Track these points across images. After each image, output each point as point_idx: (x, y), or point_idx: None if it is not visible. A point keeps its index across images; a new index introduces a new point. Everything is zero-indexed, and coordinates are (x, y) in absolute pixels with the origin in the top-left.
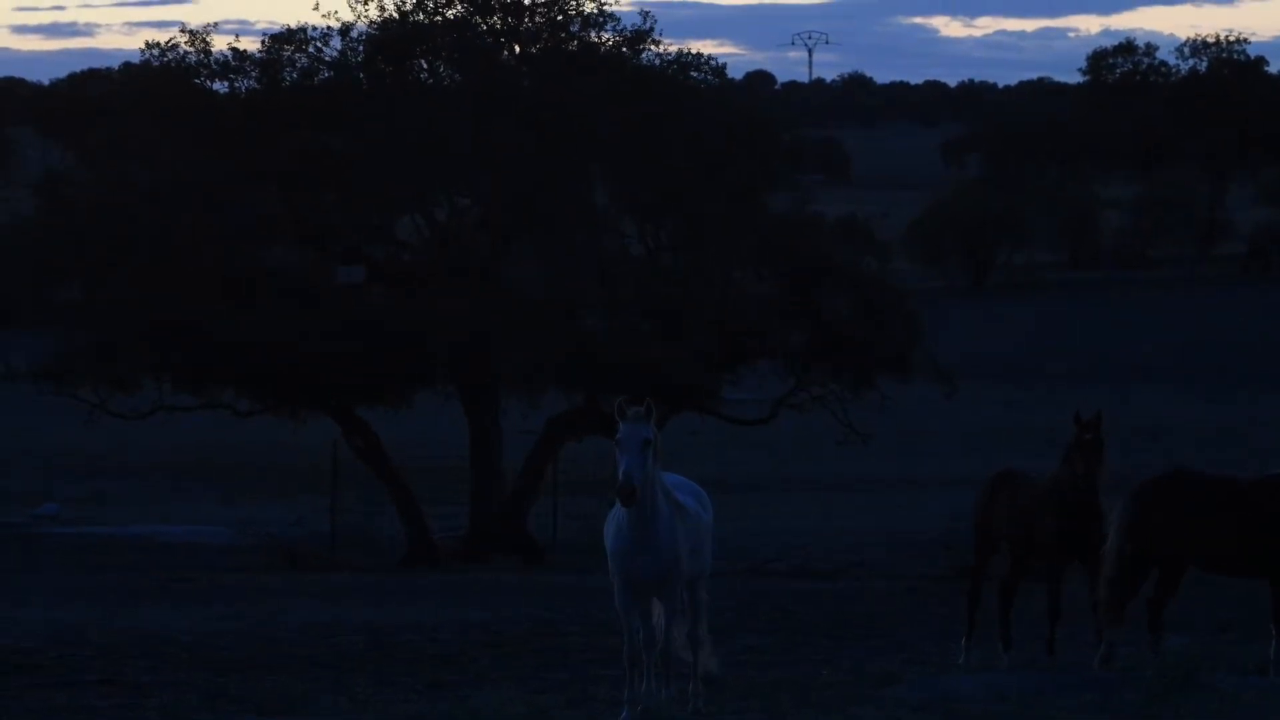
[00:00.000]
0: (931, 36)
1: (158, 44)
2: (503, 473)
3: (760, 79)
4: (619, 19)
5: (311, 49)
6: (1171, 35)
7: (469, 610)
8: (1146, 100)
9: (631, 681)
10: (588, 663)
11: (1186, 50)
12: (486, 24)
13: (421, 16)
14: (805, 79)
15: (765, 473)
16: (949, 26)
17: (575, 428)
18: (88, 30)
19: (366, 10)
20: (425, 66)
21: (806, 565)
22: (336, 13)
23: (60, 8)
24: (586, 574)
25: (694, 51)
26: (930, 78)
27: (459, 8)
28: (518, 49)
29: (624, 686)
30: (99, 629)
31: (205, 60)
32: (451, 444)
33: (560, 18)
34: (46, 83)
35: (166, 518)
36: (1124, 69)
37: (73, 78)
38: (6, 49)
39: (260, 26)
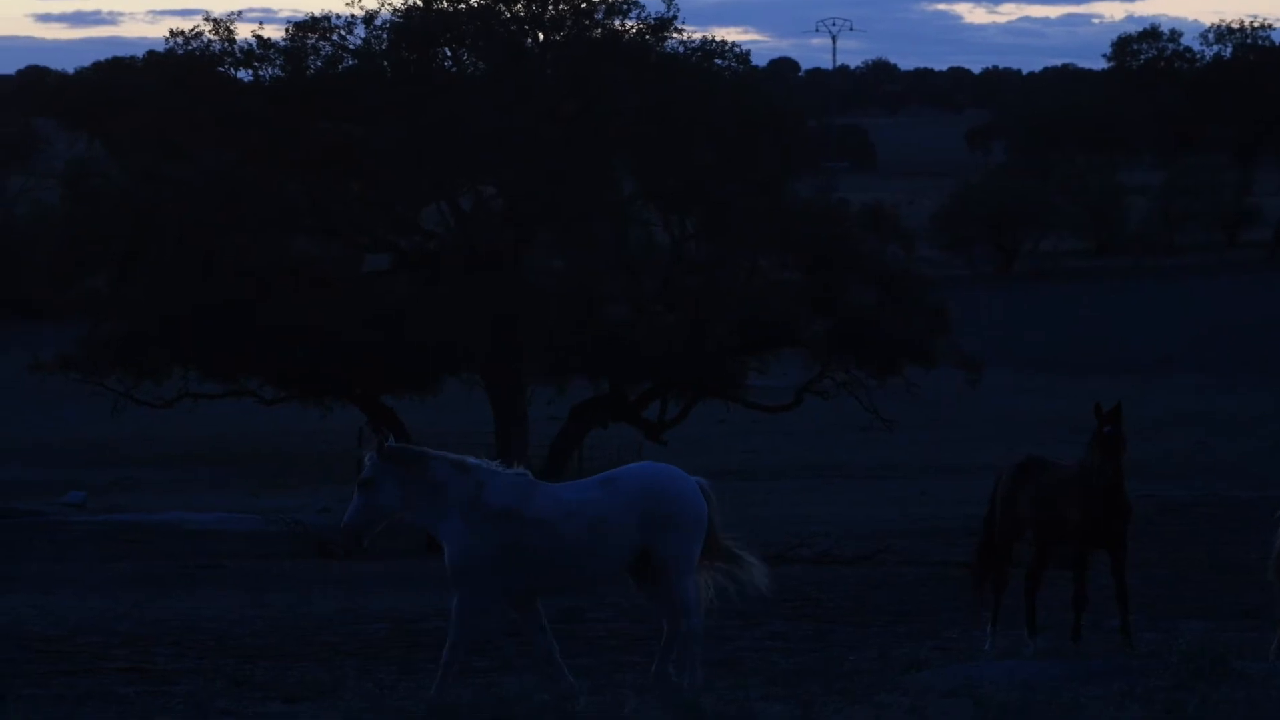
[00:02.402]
0: (955, 23)
1: (182, 32)
2: (529, 460)
3: (784, 66)
4: (643, 6)
5: (335, 37)
6: (1195, 21)
7: None
8: (1171, 87)
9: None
10: (612, 649)
11: (1210, 36)
12: (510, 11)
13: (445, 4)
14: (829, 66)
15: (791, 460)
16: (973, 13)
17: (600, 415)
18: (111, 19)
19: None
20: (449, 54)
21: (832, 552)
22: (360, 1)
23: None
24: None
25: (718, 39)
26: (954, 64)
27: None
28: (541, 36)
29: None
30: (125, 616)
31: (229, 48)
32: (478, 431)
33: (584, 5)
34: (71, 71)
35: (193, 505)
36: (1148, 55)
37: (97, 67)
38: (30, 38)
39: (284, 15)
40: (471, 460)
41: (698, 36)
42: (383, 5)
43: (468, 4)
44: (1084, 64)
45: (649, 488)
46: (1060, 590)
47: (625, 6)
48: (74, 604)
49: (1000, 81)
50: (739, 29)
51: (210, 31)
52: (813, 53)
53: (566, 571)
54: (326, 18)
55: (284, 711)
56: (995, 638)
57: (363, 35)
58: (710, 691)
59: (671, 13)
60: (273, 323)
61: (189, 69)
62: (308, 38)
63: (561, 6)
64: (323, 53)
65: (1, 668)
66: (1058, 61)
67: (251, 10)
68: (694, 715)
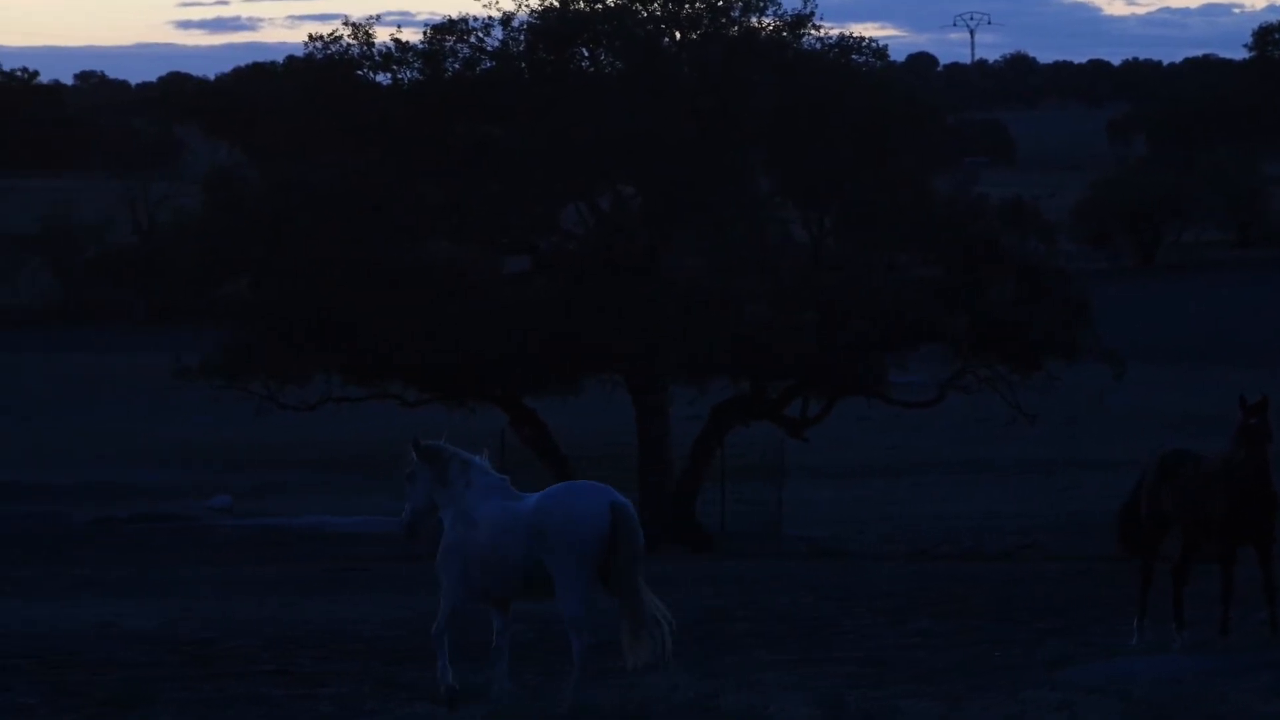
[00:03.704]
0: (1094, 15)
1: (320, 37)
2: (671, 460)
3: (922, 61)
4: (780, 3)
5: (473, 39)
6: None
7: None
8: None
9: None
10: (756, 648)
11: None
12: (647, 10)
13: (582, 4)
14: (968, 60)
15: (933, 456)
16: (1112, 4)
17: (741, 414)
18: (251, 25)
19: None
20: (586, 55)
21: (976, 548)
22: (498, 2)
23: (224, 2)
24: (754, 560)
25: (855, 35)
26: (1093, 57)
27: None
28: (678, 35)
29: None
30: (272, 620)
31: (368, 52)
32: (621, 431)
33: (721, 3)
34: (211, 78)
35: (336, 509)
36: None
37: (237, 72)
38: (171, 44)
39: (422, 18)
40: (476, 460)
41: (834, 33)
42: (520, 6)
43: (604, 4)
44: (1225, 54)
45: (543, 504)
46: (1207, 584)
47: (762, 4)
48: (221, 607)
49: (1140, 73)
50: (876, 24)
51: (349, 36)
52: (951, 47)
53: (490, 576)
54: (464, 20)
55: (431, 713)
56: (1142, 632)
57: (500, 37)
58: (854, 689)
59: (809, 9)
60: (413, 326)
61: (327, 73)
62: (445, 40)
63: (698, 5)
64: (460, 55)
65: (152, 671)
66: (1198, 52)
67: (389, 14)
68: (837, 711)
